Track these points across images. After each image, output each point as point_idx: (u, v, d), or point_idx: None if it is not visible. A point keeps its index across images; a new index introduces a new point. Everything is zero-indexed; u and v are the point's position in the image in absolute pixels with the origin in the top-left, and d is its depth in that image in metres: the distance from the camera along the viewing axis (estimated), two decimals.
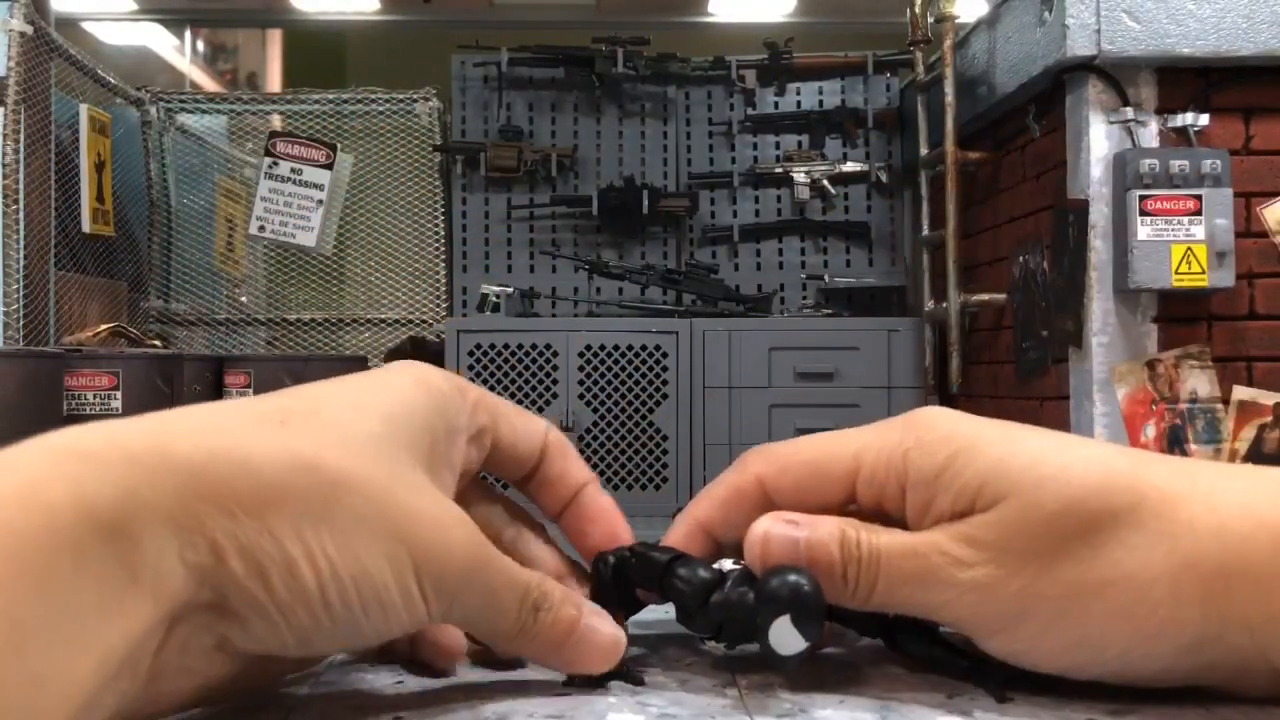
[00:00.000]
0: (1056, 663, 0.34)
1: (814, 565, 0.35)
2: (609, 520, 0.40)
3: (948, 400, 2.61)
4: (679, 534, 0.40)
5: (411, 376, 0.35)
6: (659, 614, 0.41)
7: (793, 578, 0.35)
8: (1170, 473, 0.34)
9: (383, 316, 3.16)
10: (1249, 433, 1.91)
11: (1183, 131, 1.94)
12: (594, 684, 0.36)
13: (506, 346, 2.66)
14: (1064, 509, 0.33)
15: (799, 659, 0.35)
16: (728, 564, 0.38)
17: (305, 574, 0.29)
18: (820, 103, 3.11)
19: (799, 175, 3.04)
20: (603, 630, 0.36)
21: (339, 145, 3.00)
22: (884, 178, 3.05)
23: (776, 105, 3.12)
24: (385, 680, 0.37)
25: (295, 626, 0.29)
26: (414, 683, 0.37)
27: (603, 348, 2.67)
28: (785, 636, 0.35)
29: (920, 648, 0.38)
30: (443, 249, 3.11)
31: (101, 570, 0.24)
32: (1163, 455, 0.36)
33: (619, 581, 0.40)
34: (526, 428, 0.39)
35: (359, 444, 0.31)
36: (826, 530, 0.35)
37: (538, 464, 0.40)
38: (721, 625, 0.37)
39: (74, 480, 0.25)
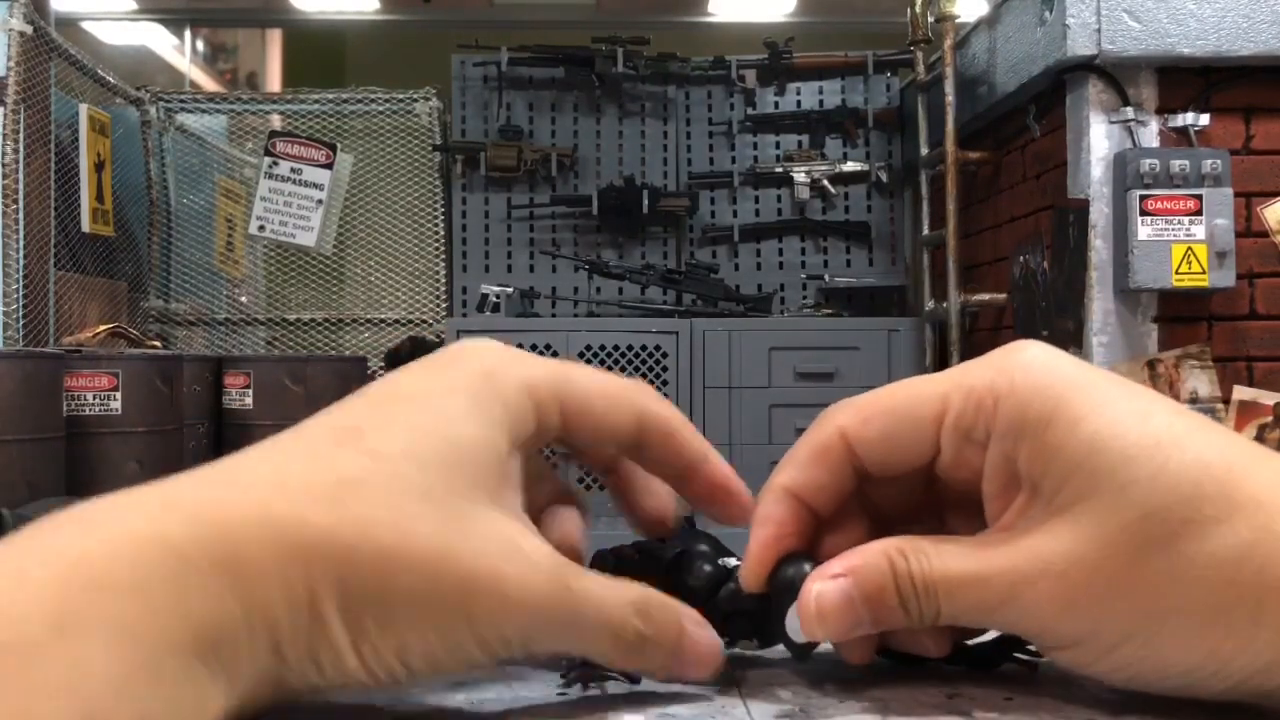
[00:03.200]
0: (1118, 678, 0.33)
1: (872, 608, 0.33)
2: (725, 496, 0.38)
3: None
4: (769, 504, 0.37)
5: (472, 393, 0.32)
6: None
7: (807, 565, 0.35)
8: (1272, 482, 0.32)
9: (383, 316, 3.16)
10: (1249, 433, 1.90)
11: (1183, 131, 1.94)
12: (591, 680, 0.36)
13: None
14: (1155, 512, 0.31)
15: (812, 648, 0.35)
16: (732, 561, 0.38)
17: (350, 662, 0.28)
18: (820, 102, 3.11)
19: (799, 175, 3.04)
20: (704, 639, 0.35)
21: (339, 145, 3.00)
22: (884, 178, 3.05)
23: (776, 105, 3.12)
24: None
25: (353, 688, 0.29)
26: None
27: (603, 348, 2.67)
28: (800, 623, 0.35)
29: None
30: (443, 249, 3.11)
31: (195, 678, 0.25)
32: (1269, 454, 0.33)
33: (620, 577, 0.40)
34: (609, 417, 0.35)
35: (415, 505, 0.30)
36: (876, 570, 0.33)
37: (638, 447, 0.36)
38: (728, 619, 0.37)
39: (179, 598, 0.25)
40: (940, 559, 0.33)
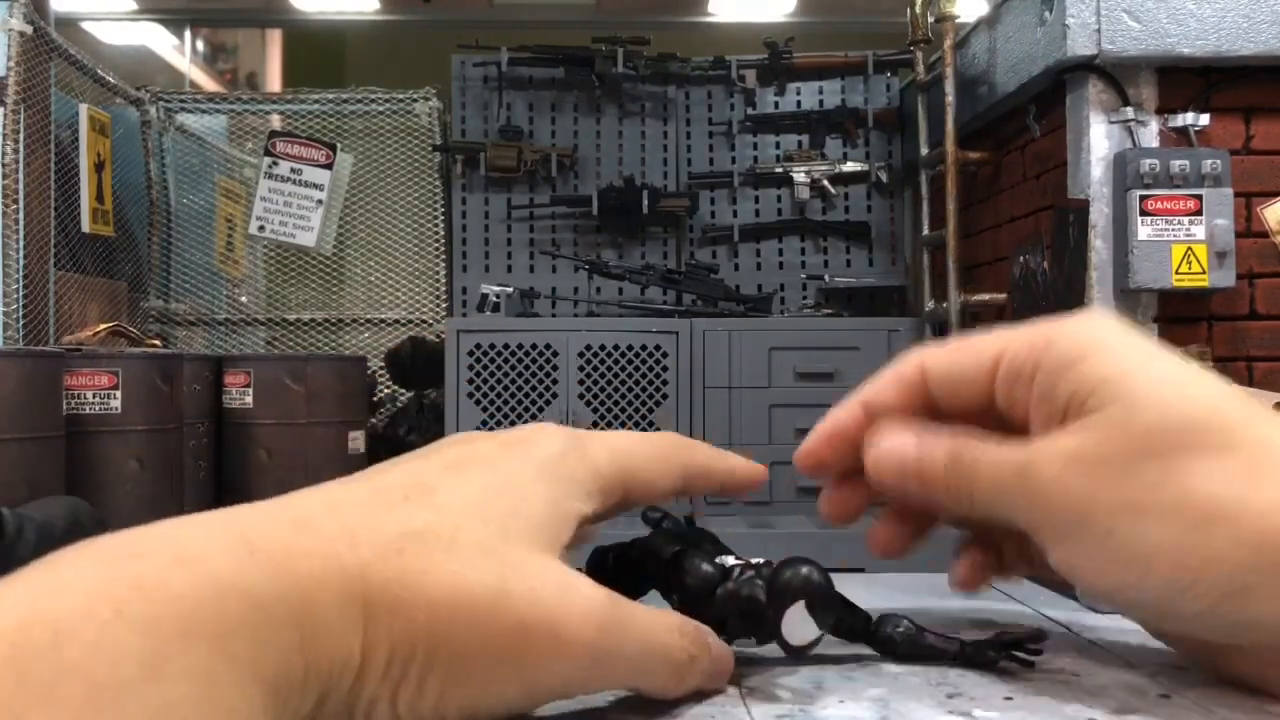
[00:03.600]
0: (1105, 581, 0.35)
1: (923, 468, 0.38)
2: (752, 485, 0.45)
3: None
4: (841, 410, 0.44)
5: (546, 468, 0.34)
6: None
7: (805, 569, 0.35)
8: (1272, 433, 0.35)
9: (383, 316, 3.17)
10: None
11: (1183, 131, 1.94)
12: None
13: (506, 346, 2.66)
14: (1155, 427, 0.34)
15: (810, 648, 0.35)
16: (730, 560, 0.38)
17: (383, 712, 0.29)
18: (820, 103, 3.11)
19: (799, 175, 3.04)
20: (726, 648, 0.37)
21: (339, 145, 3.00)
22: (884, 178, 3.05)
23: (776, 105, 3.12)
24: None
25: None
26: None
27: (603, 348, 2.67)
28: (798, 625, 0.35)
29: (907, 643, 0.38)
30: (443, 249, 3.11)
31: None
32: (1275, 415, 0.37)
33: (618, 576, 0.40)
34: (663, 481, 0.39)
35: (473, 556, 0.31)
36: (936, 442, 0.38)
37: (683, 490, 0.41)
38: (726, 619, 0.37)
39: (257, 650, 0.26)
40: (982, 449, 0.38)
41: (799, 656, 0.36)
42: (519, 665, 0.30)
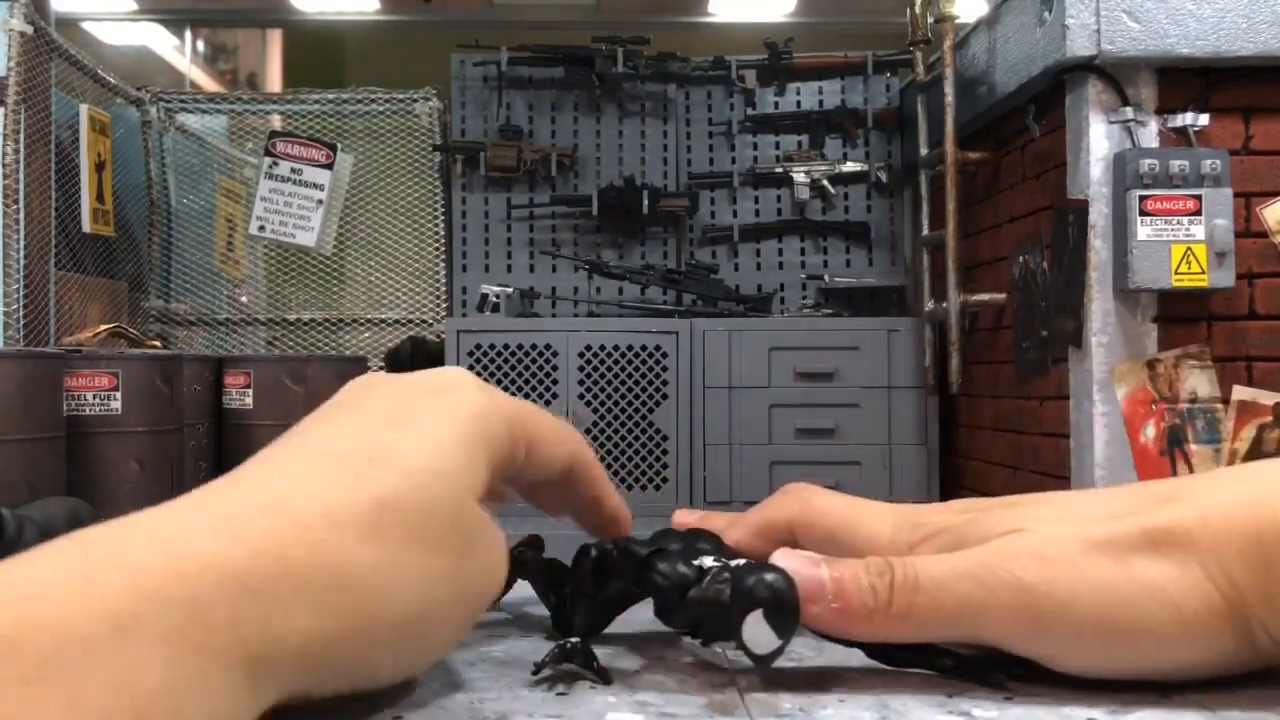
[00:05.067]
0: (1088, 664, 0.35)
1: (842, 598, 0.36)
2: (617, 527, 0.43)
3: (947, 400, 2.61)
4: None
5: (465, 419, 0.36)
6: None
7: (768, 575, 0.35)
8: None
9: (383, 316, 3.17)
10: (1249, 432, 1.91)
11: (1183, 131, 1.94)
12: (561, 679, 0.36)
13: (506, 346, 2.66)
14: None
15: (773, 658, 0.35)
16: (708, 560, 0.38)
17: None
18: (820, 103, 3.11)
19: (799, 175, 3.04)
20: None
21: (339, 145, 3.00)
22: (884, 178, 3.05)
23: (776, 105, 3.12)
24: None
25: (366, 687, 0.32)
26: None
27: (603, 348, 2.67)
28: (759, 633, 0.34)
29: (905, 651, 0.38)
30: (443, 249, 3.11)
31: (236, 693, 0.26)
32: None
33: (600, 575, 0.40)
34: (555, 452, 0.40)
35: (450, 530, 0.33)
36: (852, 564, 0.37)
37: (565, 482, 0.42)
38: (698, 621, 0.37)
39: (236, 619, 0.26)
40: (920, 560, 0.37)
41: (762, 666, 0.36)
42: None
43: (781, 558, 0.37)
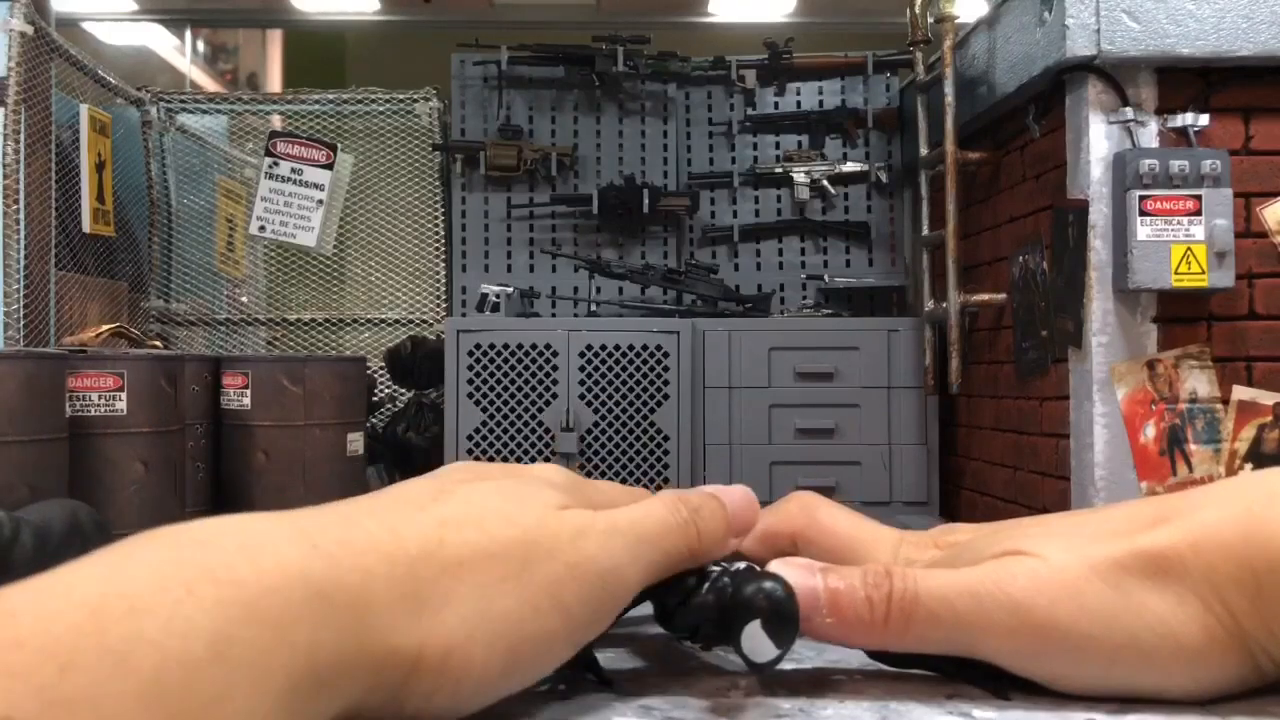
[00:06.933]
0: (1086, 687, 0.35)
1: (838, 610, 0.36)
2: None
3: (947, 400, 2.61)
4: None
5: (539, 484, 0.36)
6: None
7: (768, 584, 0.35)
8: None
9: (383, 316, 3.17)
10: (1249, 433, 1.91)
11: (1182, 132, 1.94)
12: (563, 683, 0.36)
13: (506, 346, 2.66)
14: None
15: (771, 666, 0.35)
16: (713, 569, 0.38)
17: (444, 702, 0.32)
18: (820, 103, 3.11)
19: (799, 175, 3.04)
20: (716, 504, 0.40)
21: (339, 145, 3.00)
22: (884, 178, 3.05)
23: (776, 105, 3.12)
24: None
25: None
26: None
27: (603, 348, 2.67)
28: (757, 642, 0.35)
29: (897, 653, 0.38)
30: (443, 249, 3.11)
31: (307, 708, 0.27)
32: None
33: None
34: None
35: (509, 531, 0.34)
36: (850, 574, 0.37)
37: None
38: (699, 627, 0.37)
39: (314, 635, 0.27)
40: (920, 573, 0.37)
41: (760, 673, 0.36)
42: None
43: (779, 567, 0.37)
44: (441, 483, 0.35)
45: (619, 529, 0.34)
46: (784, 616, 0.35)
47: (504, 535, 0.32)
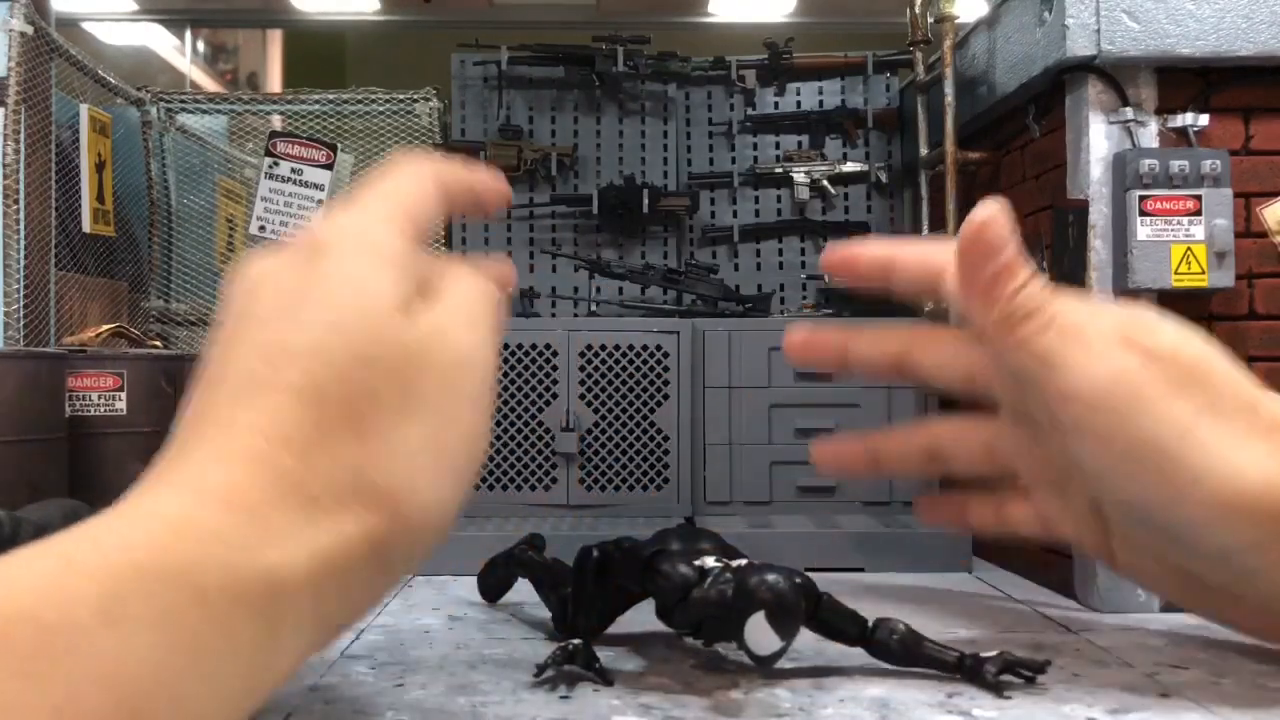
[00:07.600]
0: (1156, 493, 0.38)
1: (1009, 267, 0.43)
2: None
3: (947, 401, 2.60)
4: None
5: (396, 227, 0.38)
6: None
7: (771, 577, 0.35)
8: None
9: None
10: None
11: (1182, 132, 1.94)
12: (563, 681, 0.36)
13: (506, 346, 2.66)
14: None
15: (775, 659, 0.35)
16: (710, 561, 0.38)
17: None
18: (820, 103, 3.11)
19: (799, 175, 3.04)
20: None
21: (339, 145, 3.00)
22: (884, 178, 3.05)
23: (776, 105, 3.12)
24: (385, 683, 0.38)
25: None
26: (414, 685, 0.37)
27: (603, 347, 2.67)
28: (760, 634, 0.34)
29: (902, 650, 0.38)
30: (442, 248, 3.11)
31: (264, 626, 0.26)
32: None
33: (602, 575, 0.40)
34: (433, 217, 0.44)
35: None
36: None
37: None
38: (700, 622, 0.36)
39: (255, 546, 0.26)
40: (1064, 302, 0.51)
41: (764, 666, 0.36)
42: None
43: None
44: (293, 338, 0.34)
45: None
46: (787, 608, 0.35)
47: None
